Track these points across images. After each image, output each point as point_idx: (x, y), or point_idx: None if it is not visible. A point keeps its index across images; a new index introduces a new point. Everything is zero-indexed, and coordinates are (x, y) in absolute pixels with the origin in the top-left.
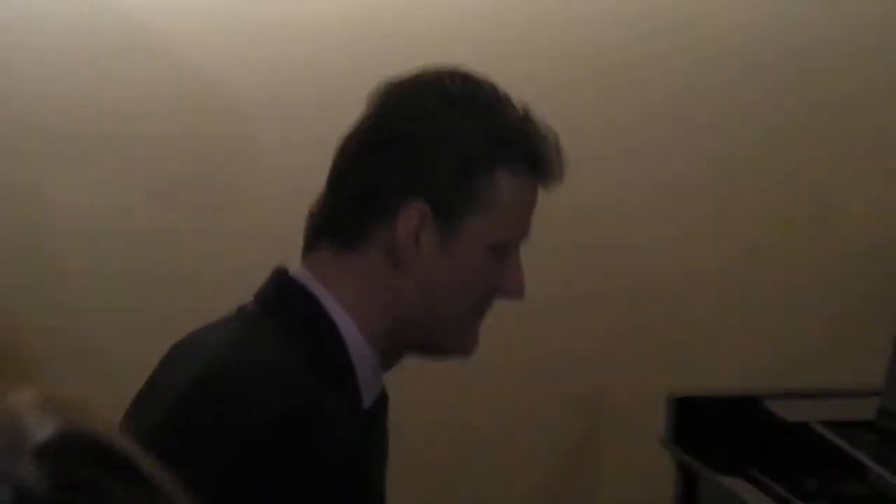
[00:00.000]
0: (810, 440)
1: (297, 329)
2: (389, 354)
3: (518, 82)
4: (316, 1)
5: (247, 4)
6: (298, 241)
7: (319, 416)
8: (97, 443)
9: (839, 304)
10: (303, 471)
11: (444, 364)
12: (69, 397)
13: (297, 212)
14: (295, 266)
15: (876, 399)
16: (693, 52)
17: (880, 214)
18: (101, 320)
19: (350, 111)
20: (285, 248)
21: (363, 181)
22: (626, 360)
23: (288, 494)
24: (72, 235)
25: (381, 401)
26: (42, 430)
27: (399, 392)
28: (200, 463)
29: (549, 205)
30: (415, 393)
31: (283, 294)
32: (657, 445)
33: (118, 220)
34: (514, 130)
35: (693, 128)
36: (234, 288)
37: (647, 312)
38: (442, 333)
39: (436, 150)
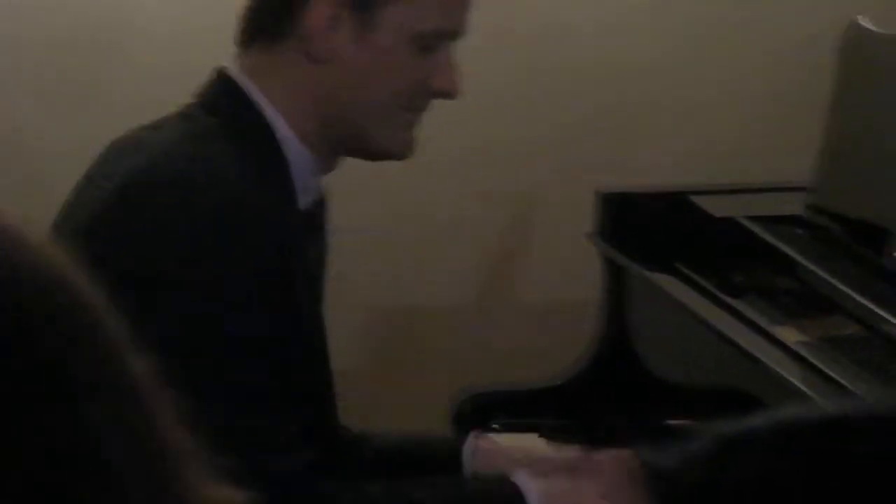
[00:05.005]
0: (737, 235)
1: (233, 126)
2: (325, 157)
3: None
4: None
5: None
6: None
7: (252, 211)
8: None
9: (768, 98)
10: (232, 261)
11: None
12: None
13: None
14: (232, 66)
15: (803, 194)
16: None
17: (811, 5)
18: None
19: None
20: None
21: None
22: (555, 155)
23: (216, 282)
24: None
25: (321, 205)
26: None
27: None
28: (135, 250)
29: None
30: (345, 188)
31: (218, 92)
32: (585, 241)
33: None
34: None
35: None
36: None
37: (575, 108)
38: (371, 133)
39: None
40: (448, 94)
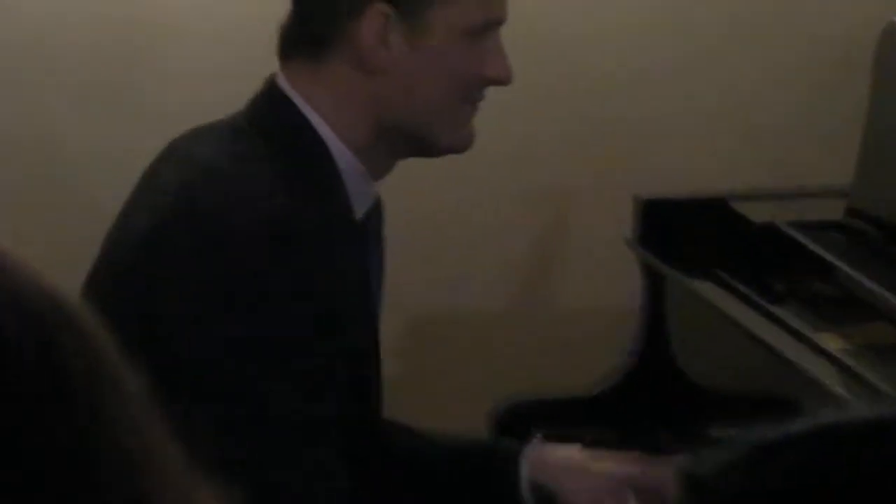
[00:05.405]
0: (777, 240)
1: (284, 141)
2: (379, 162)
3: None
4: None
5: None
6: None
7: (292, 233)
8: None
9: (806, 101)
10: (285, 285)
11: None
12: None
13: None
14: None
15: (843, 199)
16: None
17: (848, 5)
18: None
19: None
20: None
21: None
22: (592, 159)
23: (270, 306)
24: None
25: (377, 212)
26: None
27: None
28: (183, 278)
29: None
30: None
31: (269, 105)
32: (623, 247)
33: None
34: None
35: None
36: None
37: (612, 110)
38: (433, 132)
39: None
40: (502, 80)
